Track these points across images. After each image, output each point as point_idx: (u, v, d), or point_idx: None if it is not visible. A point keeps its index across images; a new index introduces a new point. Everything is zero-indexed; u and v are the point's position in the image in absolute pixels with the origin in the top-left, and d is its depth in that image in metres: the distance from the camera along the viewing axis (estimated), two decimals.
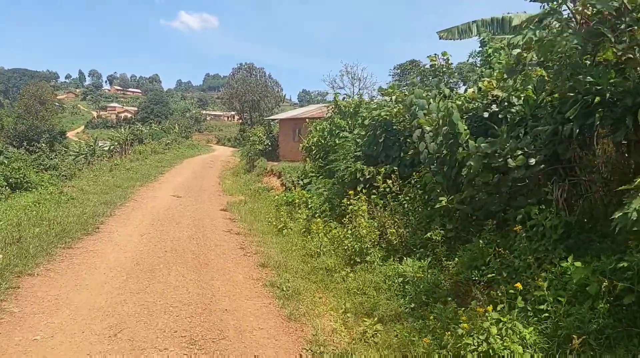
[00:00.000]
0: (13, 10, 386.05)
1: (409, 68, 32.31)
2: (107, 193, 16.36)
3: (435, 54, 8.48)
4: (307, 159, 17.20)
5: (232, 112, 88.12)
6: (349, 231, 8.32)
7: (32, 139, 30.36)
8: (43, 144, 24.71)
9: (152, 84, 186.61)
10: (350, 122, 12.68)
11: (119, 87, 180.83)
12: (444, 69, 8.35)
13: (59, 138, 43.56)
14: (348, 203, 8.90)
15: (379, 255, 7.79)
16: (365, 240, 7.83)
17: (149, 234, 9.97)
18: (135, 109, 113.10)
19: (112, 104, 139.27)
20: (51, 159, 22.13)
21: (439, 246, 6.97)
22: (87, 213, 11.64)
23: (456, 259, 6.85)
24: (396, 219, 7.81)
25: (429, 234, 7.00)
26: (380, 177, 8.91)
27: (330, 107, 13.03)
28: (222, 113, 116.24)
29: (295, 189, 15.14)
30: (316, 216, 10.96)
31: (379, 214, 8.34)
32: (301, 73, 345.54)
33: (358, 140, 9.72)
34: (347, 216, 8.76)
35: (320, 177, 15.05)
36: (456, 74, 8.93)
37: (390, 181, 8.78)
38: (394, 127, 9.27)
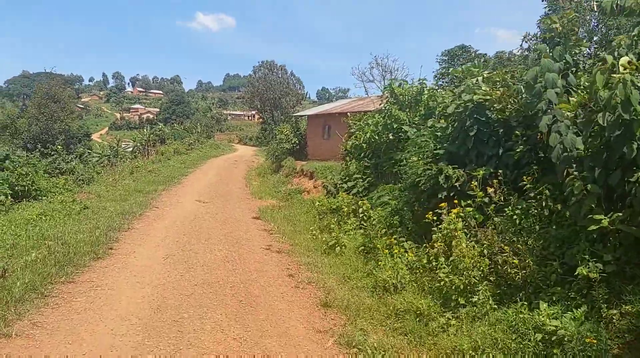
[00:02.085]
0: (37, 16, 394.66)
1: (458, 54, 29.49)
2: (126, 200, 14.54)
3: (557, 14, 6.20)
4: (347, 158, 15.06)
5: (253, 112, 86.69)
6: (442, 259, 6.10)
7: (46, 141, 28.70)
8: (59, 147, 23.09)
9: (173, 85, 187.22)
10: (409, 114, 10.47)
11: (141, 89, 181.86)
12: (567, 34, 6.08)
13: (83, 140, 42.42)
14: (433, 217, 6.69)
15: (489, 294, 5.58)
16: (472, 273, 5.61)
17: (173, 256, 7.96)
18: (158, 110, 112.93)
19: (134, 106, 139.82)
20: (68, 162, 20.48)
21: (596, 287, 4.71)
22: (101, 227, 9.72)
23: (626, 307, 4.60)
24: (519, 245, 5.57)
25: (581, 269, 4.74)
26: (475, 183, 6.67)
27: (385, 97, 10.82)
28: (242, 113, 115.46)
29: (339, 193, 13.02)
30: (380, 230, 8.77)
31: (483, 235, 6.10)
32: (319, 71, 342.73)
33: (437, 133, 7.50)
34: (436, 236, 6.54)
35: (368, 179, 12.91)
36: (585, 41, 6.58)
37: (492, 189, 6.53)
38: (490, 116, 7.01)
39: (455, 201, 6.78)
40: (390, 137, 11.36)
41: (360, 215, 10.84)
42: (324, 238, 9.36)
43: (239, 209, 14.57)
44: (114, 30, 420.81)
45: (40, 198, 13.09)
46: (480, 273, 5.68)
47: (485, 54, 28.04)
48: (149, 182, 19.15)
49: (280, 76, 64.90)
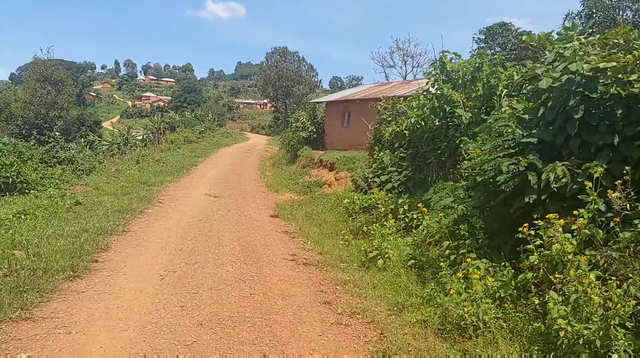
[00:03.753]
0: (49, 3, 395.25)
1: (498, 31, 27.01)
2: (128, 193, 12.87)
3: None
4: (376, 147, 13.20)
5: (265, 100, 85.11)
6: (554, 294, 4.23)
7: (43, 127, 26.87)
8: (57, 133, 21.41)
9: (185, 73, 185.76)
10: (464, 95, 8.53)
11: (153, 77, 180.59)
12: None
13: (93, 127, 40.95)
14: (530, 231, 4.79)
15: (632, 350, 3.73)
16: (612, 322, 3.75)
17: (174, 273, 6.20)
18: (169, 98, 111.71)
19: (146, 94, 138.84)
20: (67, 150, 18.84)
21: None
22: (90, 230, 8.03)
23: None
24: None
25: None
26: (589, 183, 4.76)
27: (433, 74, 8.88)
28: (254, 101, 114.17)
29: (371, 189, 11.19)
30: (439, 240, 6.94)
31: (615, 262, 4.21)
32: (331, 60, 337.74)
33: (524, 116, 5.59)
34: (534, 257, 4.66)
35: (405, 172, 11.05)
36: None
37: (615, 193, 4.61)
38: (604, 92, 5.08)
39: (573, 213, 4.87)
40: (437, 123, 9.44)
41: (401, 216, 9.03)
42: (362, 247, 7.55)
43: (254, 204, 12.84)
44: (125, 18, 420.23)
45: (27, 191, 11.45)
46: (619, 319, 3.82)
47: (530, 31, 25.70)
48: (155, 172, 17.50)
49: (292, 62, 62.97)
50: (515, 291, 5.09)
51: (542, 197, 5.40)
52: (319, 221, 10.66)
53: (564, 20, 19.08)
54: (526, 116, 5.64)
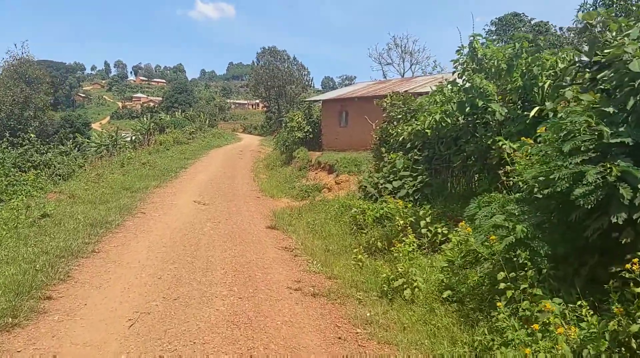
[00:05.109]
0: (38, 2, 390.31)
1: (511, 22, 25.66)
2: (106, 201, 11.44)
3: None
4: (382, 149, 11.87)
5: (257, 101, 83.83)
6: None
7: (16, 128, 25.10)
8: (32, 135, 19.80)
9: (176, 73, 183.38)
10: (499, 85, 7.21)
11: (143, 78, 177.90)
12: None
13: (82, 129, 39.27)
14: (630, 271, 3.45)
15: None
16: None
17: (147, 316, 4.78)
18: (160, 98, 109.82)
19: (137, 95, 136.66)
20: (43, 153, 17.28)
21: None
22: (51, 252, 6.60)
23: None
24: None
25: None
26: None
27: (464, 62, 7.52)
28: (246, 101, 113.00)
29: (382, 196, 9.85)
30: (469, 260, 5.63)
31: None
32: (323, 59, 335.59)
33: (608, 110, 4.24)
34: None
35: (421, 177, 9.73)
36: None
37: None
38: None
39: None
40: (461, 120, 8.11)
41: (423, 230, 7.66)
42: (382, 271, 6.20)
43: (248, 213, 11.47)
44: (115, 19, 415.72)
45: None
46: None
47: (548, 21, 24.43)
48: (140, 177, 16.07)
49: (284, 62, 61.65)
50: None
51: (634, 216, 4.08)
52: (323, 233, 9.33)
53: (578, 11, 17.91)
54: (610, 109, 4.30)
